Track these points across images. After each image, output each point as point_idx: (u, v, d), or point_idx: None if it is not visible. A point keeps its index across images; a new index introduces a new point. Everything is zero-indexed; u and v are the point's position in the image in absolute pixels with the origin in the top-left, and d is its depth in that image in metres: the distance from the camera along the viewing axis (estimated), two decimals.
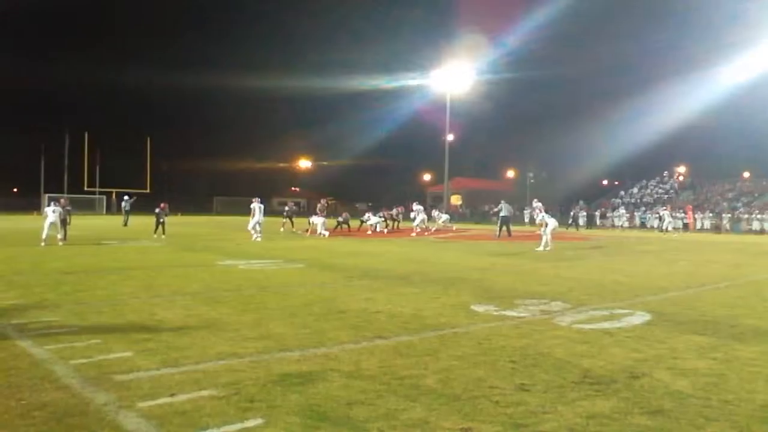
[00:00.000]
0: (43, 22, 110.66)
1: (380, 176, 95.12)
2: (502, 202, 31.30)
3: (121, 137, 74.11)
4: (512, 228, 30.86)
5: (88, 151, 63.23)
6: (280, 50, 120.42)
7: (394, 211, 36.93)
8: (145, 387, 4.90)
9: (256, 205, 23.84)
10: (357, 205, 35.44)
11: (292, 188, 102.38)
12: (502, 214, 30.21)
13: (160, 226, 24.76)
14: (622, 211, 51.59)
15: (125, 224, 25.79)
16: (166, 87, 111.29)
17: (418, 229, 32.24)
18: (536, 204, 25.87)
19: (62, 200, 22.23)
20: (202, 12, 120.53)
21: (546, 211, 21.54)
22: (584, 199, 56.90)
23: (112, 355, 5.88)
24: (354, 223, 33.35)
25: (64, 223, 21.01)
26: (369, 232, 32.00)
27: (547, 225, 20.73)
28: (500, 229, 29.95)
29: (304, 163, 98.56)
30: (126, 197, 33.91)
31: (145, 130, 70.54)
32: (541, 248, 20.20)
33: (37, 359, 5.76)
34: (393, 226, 36.02)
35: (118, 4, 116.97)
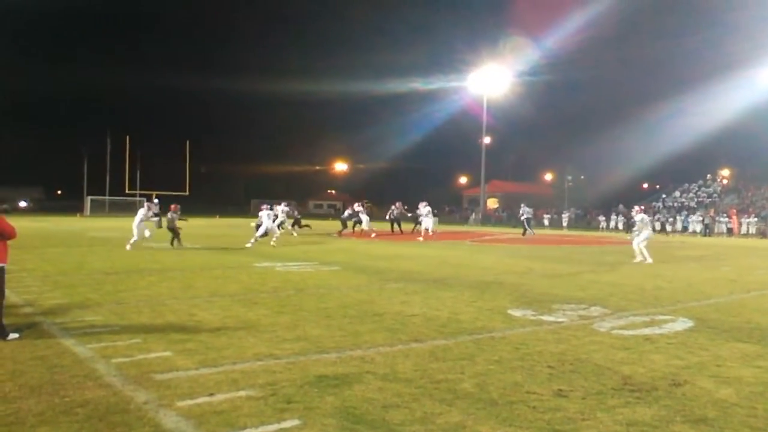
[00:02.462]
0: (85, 27, 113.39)
1: (416, 179, 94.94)
2: (523, 205, 35.53)
3: (161, 141, 75.65)
4: (551, 232, 30.62)
5: (129, 155, 64.55)
6: (317, 54, 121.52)
7: (395, 210, 33.21)
8: (184, 386, 4.97)
9: (264, 213, 22.88)
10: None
11: (329, 191, 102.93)
12: (524, 216, 34.00)
13: (174, 235, 20.58)
14: (663, 215, 50.57)
15: (159, 226, 26.11)
16: (205, 91, 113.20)
17: (430, 233, 28.42)
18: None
19: (173, 206, 21.53)
20: (241, 17, 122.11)
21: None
22: (624, 203, 55.89)
23: (152, 355, 5.99)
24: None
25: (174, 230, 20.57)
26: (373, 235, 28.75)
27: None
28: (525, 230, 33.65)
29: (341, 166, 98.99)
30: (156, 201, 34.42)
31: (184, 133, 71.85)
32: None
33: (80, 357, 5.89)
34: (392, 228, 33.20)
35: (158, 10, 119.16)
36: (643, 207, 14.72)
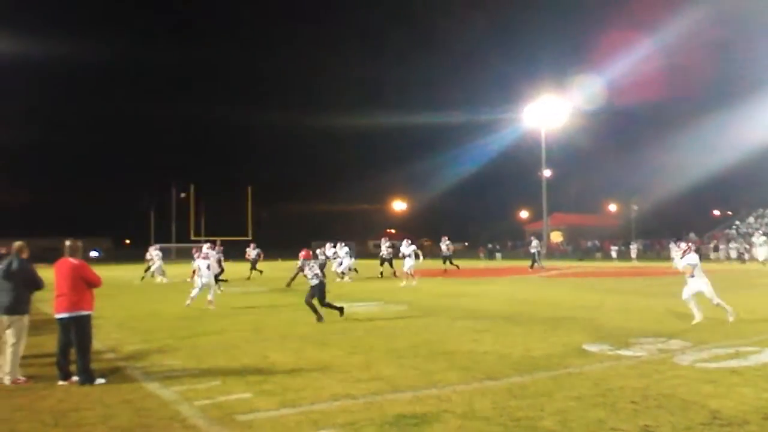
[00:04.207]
0: (149, 77, 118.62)
1: (475, 214, 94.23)
2: (532, 237, 35.63)
3: (224, 187, 77.72)
4: (620, 264, 29.68)
5: (194, 202, 66.70)
6: (370, 88, 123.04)
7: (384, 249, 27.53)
8: (267, 427, 5.07)
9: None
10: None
11: (388, 230, 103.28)
12: (533, 249, 33.01)
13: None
14: (737, 242, 48.50)
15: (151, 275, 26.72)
16: (262, 129, 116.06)
17: (410, 273, 22.63)
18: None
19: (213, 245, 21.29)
20: (294, 57, 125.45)
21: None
22: (695, 231, 53.98)
23: (232, 396, 6.13)
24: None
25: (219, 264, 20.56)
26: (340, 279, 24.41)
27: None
28: (533, 263, 32.24)
29: (399, 204, 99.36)
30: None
31: (245, 179, 73.72)
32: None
33: (165, 400, 6.08)
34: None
35: (211, 54, 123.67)
36: (690, 245, 11.22)
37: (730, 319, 10.56)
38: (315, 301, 12.11)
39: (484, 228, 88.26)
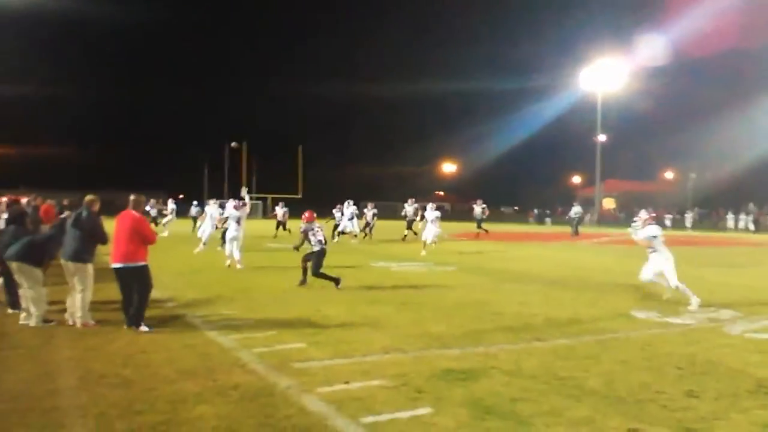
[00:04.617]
0: (204, 42, 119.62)
1: (527, 178, 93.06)
2: (574, 203, 34.86)
3: (275, 146, 78.59)
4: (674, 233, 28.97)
5: (247, 160, 67.76)
6: (422, 52, 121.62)
7: (369, 213, 26.27)
8: (321, 375, 5.35)
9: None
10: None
11: (436, 192, 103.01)
12: (573, 215, 32.94)
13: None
14: None
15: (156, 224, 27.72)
16: (313, 95, 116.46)
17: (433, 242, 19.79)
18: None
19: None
20: (347, 19, 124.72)
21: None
22: (754, 201, 52.16)
23: (287, 346, 6.44)
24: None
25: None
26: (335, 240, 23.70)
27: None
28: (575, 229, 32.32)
29: (448, 167, 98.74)
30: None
31: (297, 138, 74.15)
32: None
33: (225, 347, 6.44)
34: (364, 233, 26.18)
35: (261, 17, 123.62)
36: (651, 214, 9.08)
37: (692, 307, 8.94)
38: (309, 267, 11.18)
39: (535, 192, 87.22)
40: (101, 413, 4.46)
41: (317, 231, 11.49)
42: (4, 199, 14.03)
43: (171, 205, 29.96)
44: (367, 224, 26.09)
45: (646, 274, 9.80)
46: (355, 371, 5.46)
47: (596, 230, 44.18)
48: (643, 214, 10.12)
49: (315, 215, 11.76)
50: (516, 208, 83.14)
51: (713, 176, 68.20)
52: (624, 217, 60.28)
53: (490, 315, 8.41)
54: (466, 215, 67.06)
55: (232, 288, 10.90)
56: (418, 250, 19.05)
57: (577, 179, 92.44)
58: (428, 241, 19.36)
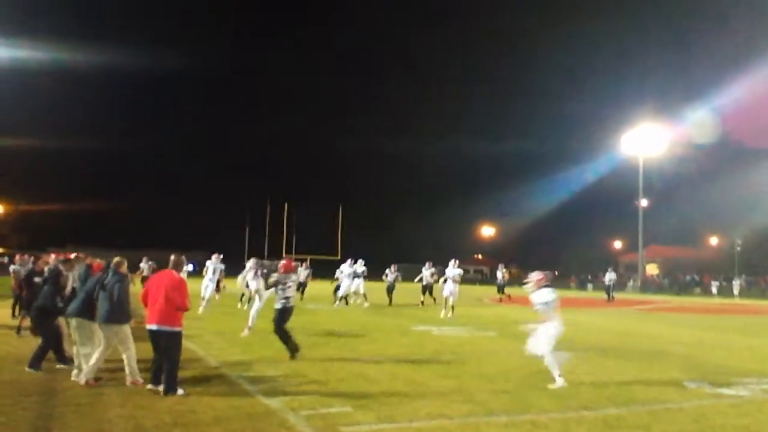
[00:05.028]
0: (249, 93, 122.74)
1: (567, 242, 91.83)
2: (609, 269, 34.99)
3: (315, 206, 79.65)
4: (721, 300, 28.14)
5: (287, 220, 68.79)
6: (462, 114, 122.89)
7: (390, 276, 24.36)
8: None
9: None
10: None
11: (475, 255, 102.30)
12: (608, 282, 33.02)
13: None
14: None
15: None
16: (355, 154, 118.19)
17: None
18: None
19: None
20: (382, 84, 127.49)
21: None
22: None
23: (333, 409, 6.45)
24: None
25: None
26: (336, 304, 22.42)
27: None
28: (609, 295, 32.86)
29: (487, 230, 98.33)
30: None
31: (336, 197, 75.11)
32: None
33: (272, 408, 6.48)
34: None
35: (315, 76, 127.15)
36: (544, 274, 8.27)
37: (554, 386, 7.96)
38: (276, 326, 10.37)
39: (576, 256, 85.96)
40: None
41: (289, 286, 10.60)
42: (52, 256, 14.42)
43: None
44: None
45: (541, 347, 8.45)
46: None
47: (640, 296, 43.19)
48: (534, 275, 8.75)
49: (293, 265, 11.05)
50: (556, 272, 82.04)
51: (759, 241, 66.45)
52: (667, 283, 58.89)
53: (535, 382, 8.29)
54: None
55: (273, 348, 10.90)
56: (457, 315, 18.86)
57: (618, 244, 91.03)
58: (450, 302, 18.83)
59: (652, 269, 74.24)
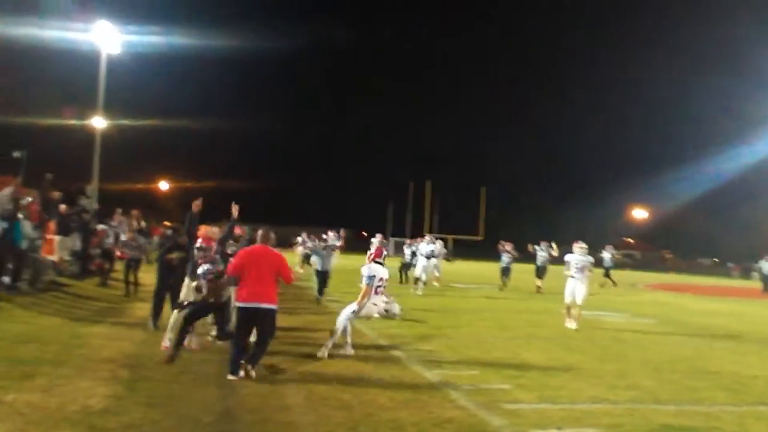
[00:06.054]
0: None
1: (725, 227, 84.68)
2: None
3: (459, 187, 79.39)
4: None
5: (430, 200, 69.33)
6: (621, 92, 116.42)
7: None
8: (532, 417, 5.40)
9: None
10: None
11: (625, 238, 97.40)
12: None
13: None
14: None
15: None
16: (498, 134, 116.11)
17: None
18: None
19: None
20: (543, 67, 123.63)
21: None
22: None
23: (492, 386, 6.56)
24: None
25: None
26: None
27: None
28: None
29: (639, 212, 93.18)
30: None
31: (479, 179, 74.27)
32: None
33: (432, 382, 6.70)
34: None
35: (455, 57, 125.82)
36: None
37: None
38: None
39: (735, 242, 79.32)
40: None
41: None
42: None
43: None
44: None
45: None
46: (565, 417, 5.43)
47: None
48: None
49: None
50: (716, 259, 76.22)
51: None
52: None
53: (704, 373, 7.87)
54: (658, 264, 62.87)
55: (430, 326, 11.14)
56: (610, 300, 18.20)
57: None
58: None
59: None
